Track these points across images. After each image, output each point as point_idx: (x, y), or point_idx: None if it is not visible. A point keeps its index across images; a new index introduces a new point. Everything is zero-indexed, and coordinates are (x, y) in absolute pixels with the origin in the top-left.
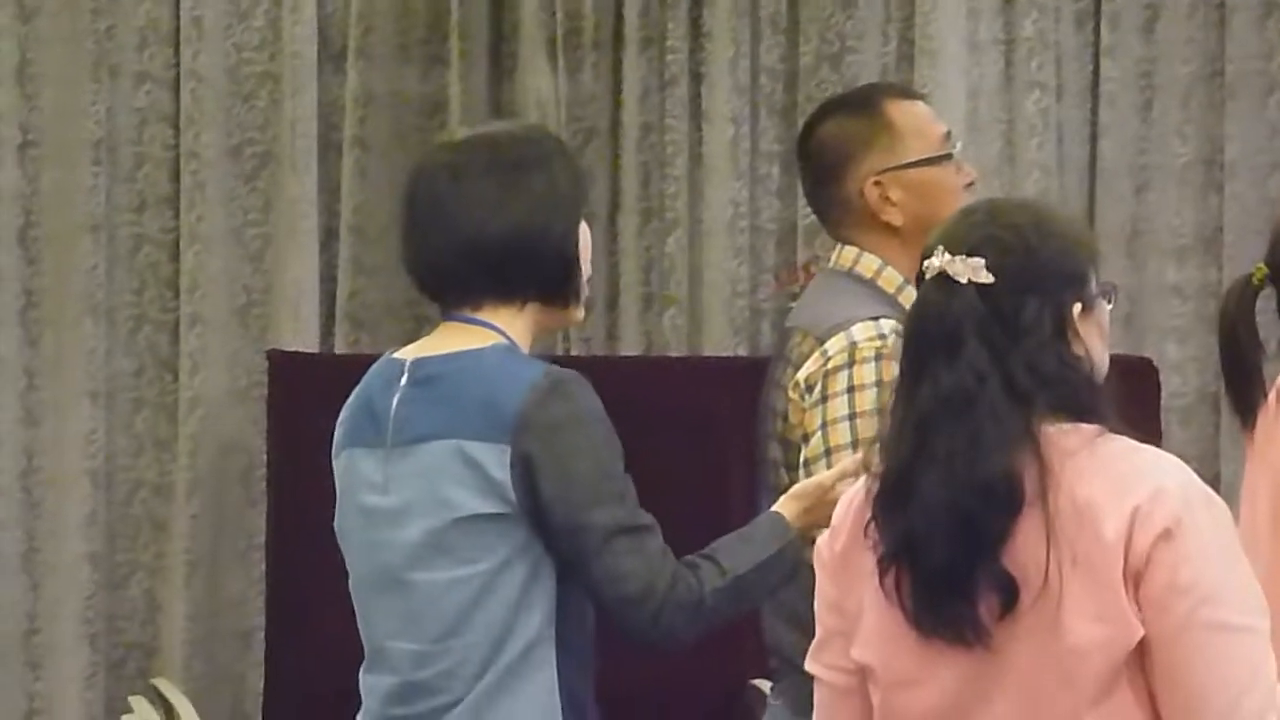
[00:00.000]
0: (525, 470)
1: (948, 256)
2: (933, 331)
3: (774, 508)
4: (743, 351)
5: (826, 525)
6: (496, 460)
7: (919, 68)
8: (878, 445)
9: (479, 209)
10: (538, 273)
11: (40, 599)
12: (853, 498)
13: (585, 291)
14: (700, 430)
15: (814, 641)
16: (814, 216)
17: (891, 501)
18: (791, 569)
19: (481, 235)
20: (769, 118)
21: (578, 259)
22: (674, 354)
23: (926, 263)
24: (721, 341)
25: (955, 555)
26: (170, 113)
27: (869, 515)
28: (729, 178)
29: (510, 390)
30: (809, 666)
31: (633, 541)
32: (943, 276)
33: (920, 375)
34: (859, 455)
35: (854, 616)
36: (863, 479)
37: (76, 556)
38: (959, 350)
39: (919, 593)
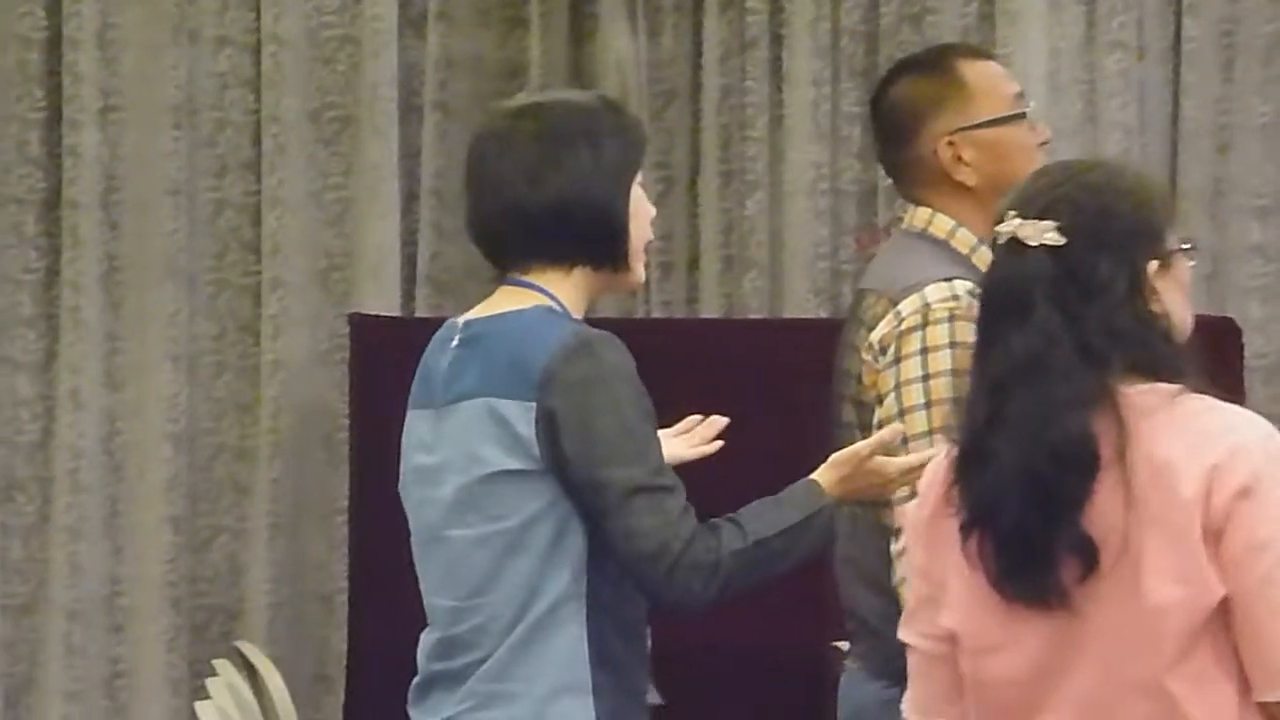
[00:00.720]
0: (549, 426)
1: (1018, 221)
2: (1004, 296)
3: (812, 475)
4: (823, 314)
5: (864, 495)
6: (522, 417)
7: (1000, 28)
8: (957, 410)
9: (522, 176)
10: (581, 238)
11: (123, 563)
12: (937, 465)
13: (641, 256)
14: (781, 393)
15: (906, 609)
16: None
17: (968, 467)
18: (822, 536)
19: (524, 202)
20: (850, 79)
21: (624, 225)
22: (754, 316)
23: (998, 228)
24: (802, 304)
25: (1032, 519)
26: (251, 76)
27: (951, 481)
28: (810, 140)
29: (539, 349)
30: (902, 635)
31: (651, 500)
32: (1014, 241)
33: (993, 340)
34: (898, 426)
35: (941, 583)
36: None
37: (159, 520)
38: (1030, 314)
39: (999, 557)
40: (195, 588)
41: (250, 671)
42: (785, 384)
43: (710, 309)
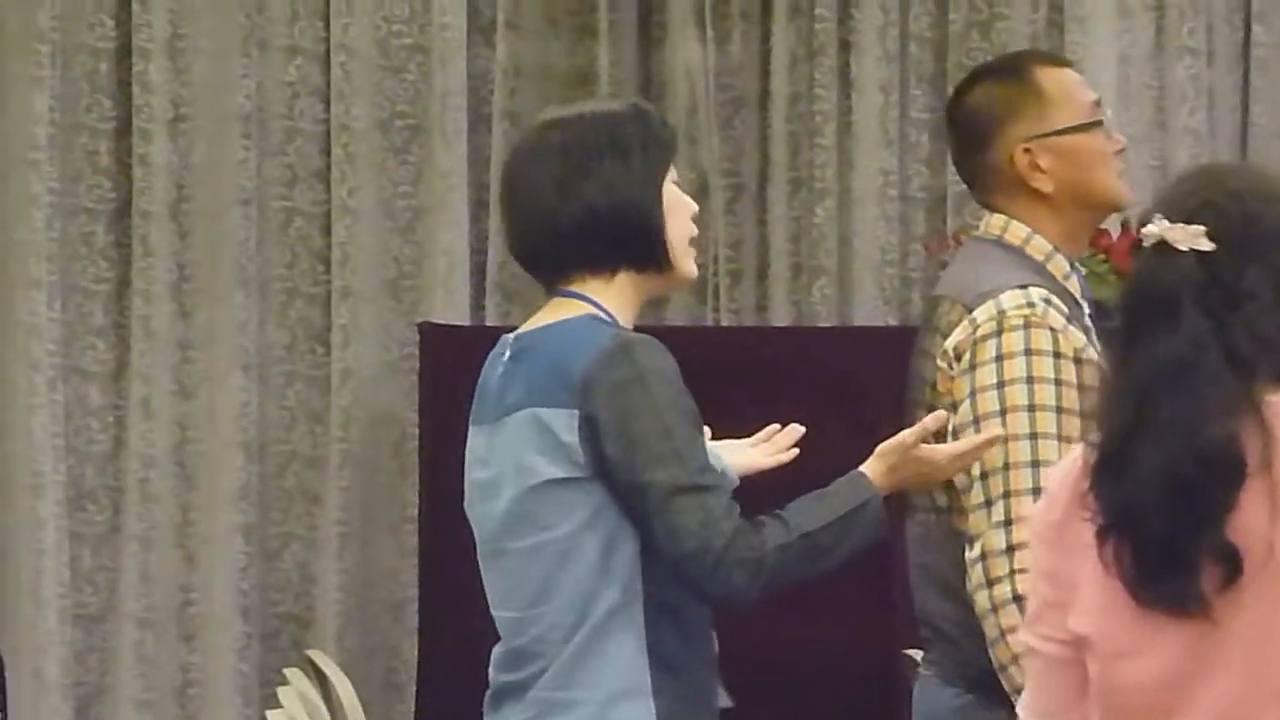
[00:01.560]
0: (591, 432)
1: (1166, 224)
2: (1150, 300)
3: (861, 466)
4: (893, 321)
5: (914, 485)
6: (566, 424)
7: (1069, 34)
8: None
9: (552, 189)
10: (617, 243)
11: (194, 571)
12: (1067, 468)
13: (689, 252)
14: (851, 400)
15: (1028, 613)
16: (963, 185)
17: (1108, 472)
18: (872, 528)
19: (554, 214)
20: (918, 85)
21: (659, 225)
22: (824, 324)
23: (1144, 230)
24: (871, 311)
25: (1175, 526)
26: (320, 86)
27: (1086, 485)
28: (878, 146)
29: (579, 356)
30: (1023, 637)
31: (693, 500)
32: (1161, 244)
33: (1136, 344)
34: (942, 413)
35: (1070, 587)
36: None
37: (230, 528)
38: (1177, 319)
39: (1138, 564)
40: (266, 596)
41: (321, 680)
42: (855, 391)
43: (780, 317)
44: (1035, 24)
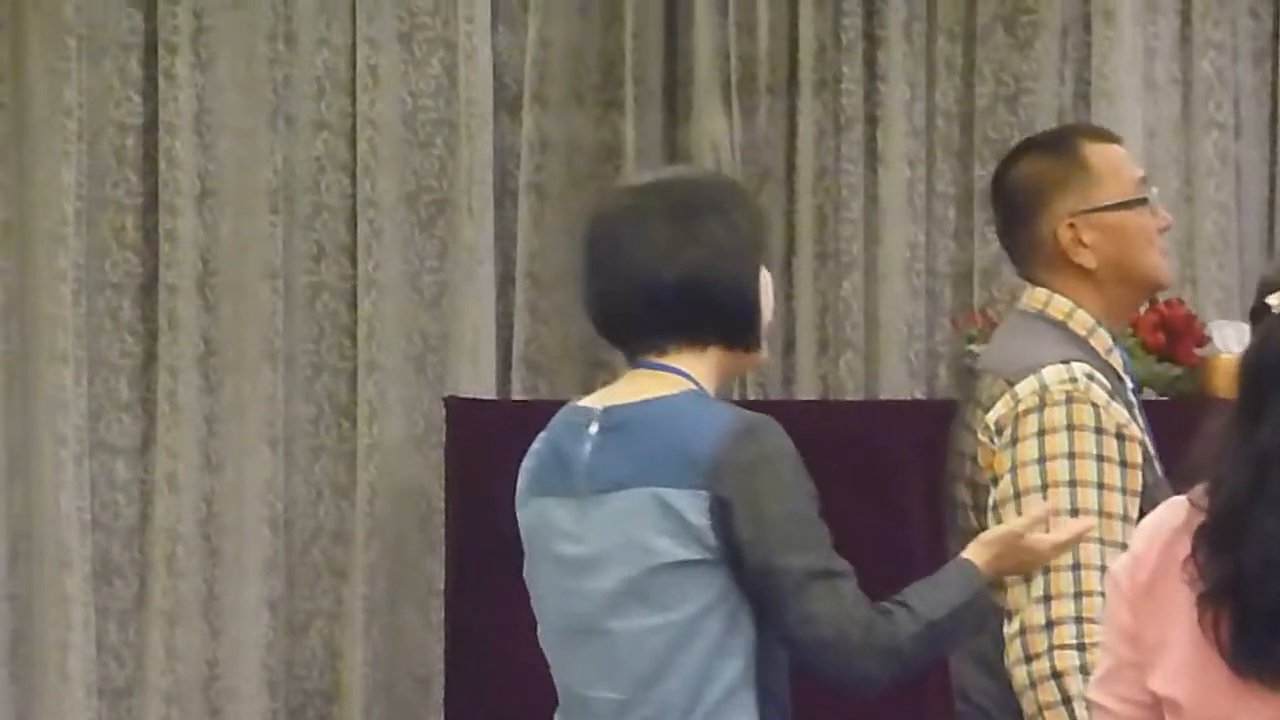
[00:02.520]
0: (722, 515)
1: None
2: (1276, 369)
3: (964, 554)
4: (919, 394)
5: (1016, 572)
6: (693, 506)
7: (1095, 108)
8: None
9: (657, 253)
10: (718, 317)
11: (220, 645)
12: (1157, 526)
13: (766, 336)
14: (878, 474)
15: (1101, 670)
16: (991, 258)
17: (1222, 538)
18: (982, 616)
19: (660, 280)
20: (945, 160)
21: (758, 303)
22: (850, 397)
23: (1271, 298)
24: (898, 385)
25: None
26: (347, 160)
27: (1187, 549)
28: (905, 220)
29: (704, 436)
30: (1092, 695)
31: (828, 586)
32: None
33: (1261, 413)
34: (1051, 503)
35: (1152, 649)
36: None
37: (256, 603)
38: None
39: (1241, 633)
40: (292, 671)
41: None
42: (881, 464)
43: (806, 390)
44: (1062, 98)
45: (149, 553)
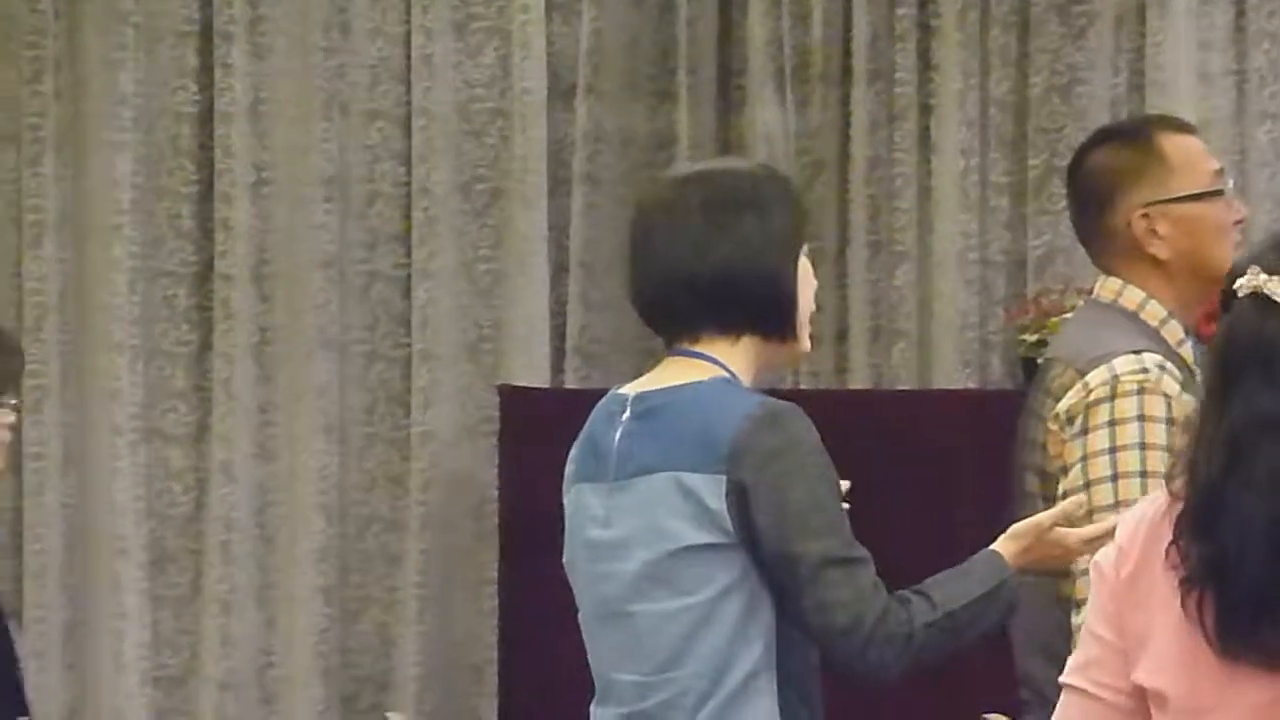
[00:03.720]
0: (740, 499)
1: (1264, 276)
2: (1247, 351)
3: (993, 546)
4: (972, 384)
5: (1043, 566)
6: (712, 490)
7: (1149, 99)
8: (1176, 469)
9: (691, 245)
10: (750, 307)
11: (275, 633)
12: (1139, 519)
13: (807, 326)
14: (930, 463)
15: (1079, 657)
16: (1045, 248)
17: (1199, 522)
18: (1007, 608)
19: (693, 271)
20: (998, 149)
21: (793, 294)
22: (903, 387)
23: (1239, 281)
24: (951, 374)
25: (1272, 577)
26: (401, 149)
27: (1169, 539)
28: (958, 210)
29: (725, 421)
30: (1070, 679)
31: (844, 573)
32: (1259, 296)
33: (1231, 395)
34: (1080, 498)
35: (1136, 639)
36: (1143, 504)
37: (310, 591)
38: (1276, 370)
39: (1227, 616)
40: (346, 659)
41: None
42: (934, 454)
43: (859, 380)
44: (1116, 88)
45: (204, 541)
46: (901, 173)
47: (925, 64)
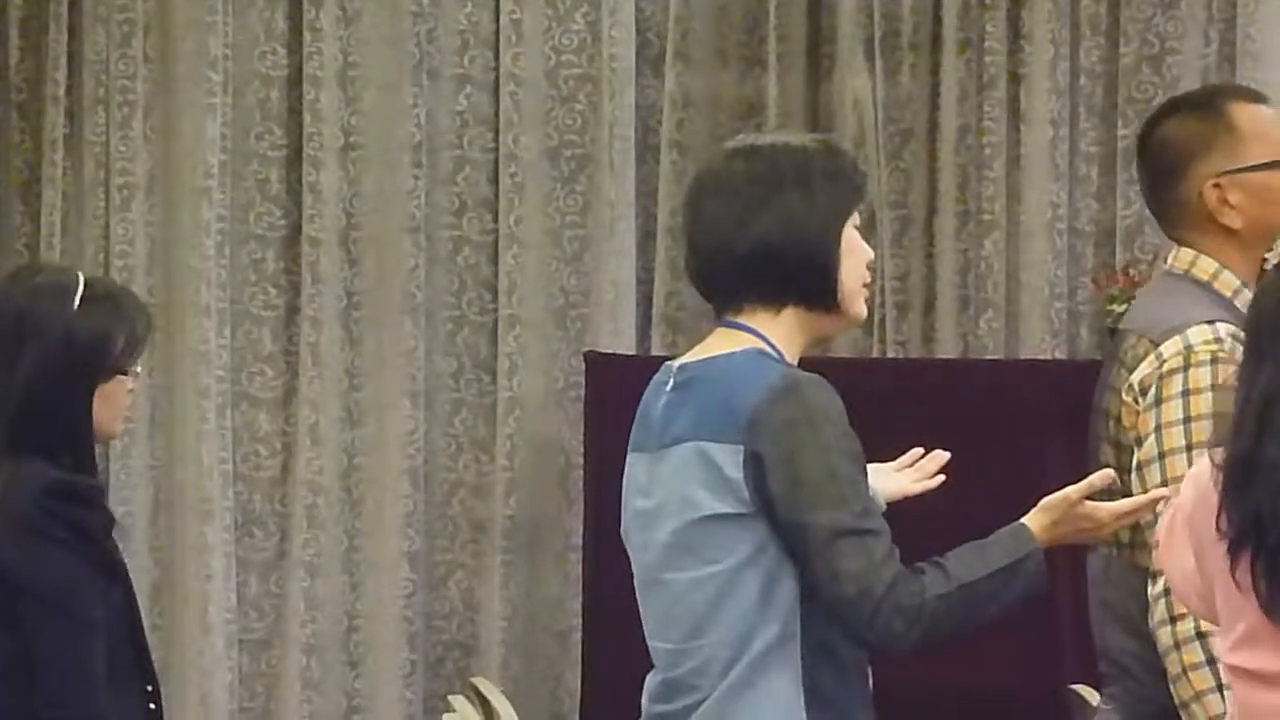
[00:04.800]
0: (756, 469)
1: None
2: (1274, 319)
3: (1022, 519)
4: (1060, 354)
5: (1073, 540)
6: (731, 460)
7: (1241, 68)
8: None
9: (732, 217)
10: (789, 279)
11: (360, 598)
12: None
13: (859, 295)
14: (1017, 433)
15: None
16: (1134, 218)
17: (1236, 485)
18: (1032, 581)
19: (731, 243)
20: (1088, 119)
21: (833, 266)
22: (991, 357)
23: (1270, 252)
24: (1038, 344)
25: None
26: (490, 115)
27: (1217, 504)
28: (1047, 179)
29: (747, 392)
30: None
31: (855, 543)
32: None
33: (1262, 359)
34: (1108, 472)
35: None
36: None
37: (396, 555)
38: None
39: (1270, 575)
40: (431, 623)
41: (485, 707)
42: (1021, 424)
43: (946, 349)
44: (1207, 58)
45: (290, 505)
46: (991, 142)
47: (1015, 32)
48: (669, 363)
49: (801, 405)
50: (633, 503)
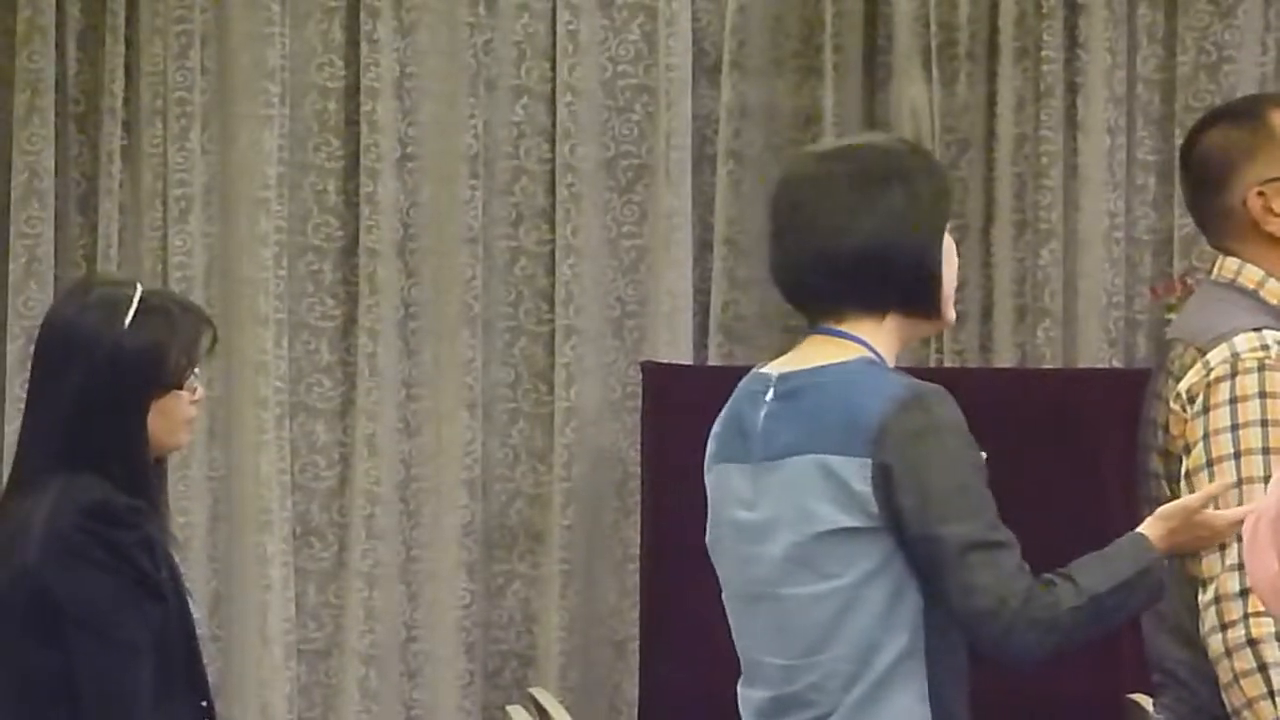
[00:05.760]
0: (884, 482)
1: None
2: None
3: (1139, 529)
4: (1118, 363)
5: (1191, 548)
6: (857, 473)
7: None
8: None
9: (837, 220)
10: (896, 285)
11: (418, 608)
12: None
13: (951, 300)
14: (1075, 443)
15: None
16: (1191, 227)
17: None
18: (1154, 591)
19: (839, 247)
20: (1145, 127)
21: (939, 270)
22: (1048, 366)
23: None
24: (1096, 353)
25: None
26: (546, 126)
27: None
28: (1104, 188)
29: (871, 404)
30: None
31: (987, 556)
32: None
33: None
34: (1227, 480)
35: None
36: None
37: (453, 566)
38: None
39: None
40: (489, 633)
41: (543, 717)
42: (1079, 433)
43: (1003, 358)
44: (1264, 66)
45: (348, 515)
46: (1048, 151)
47: (1073, 41)
48: (760, 371)
49: (929, 416)
50: (730, 515)
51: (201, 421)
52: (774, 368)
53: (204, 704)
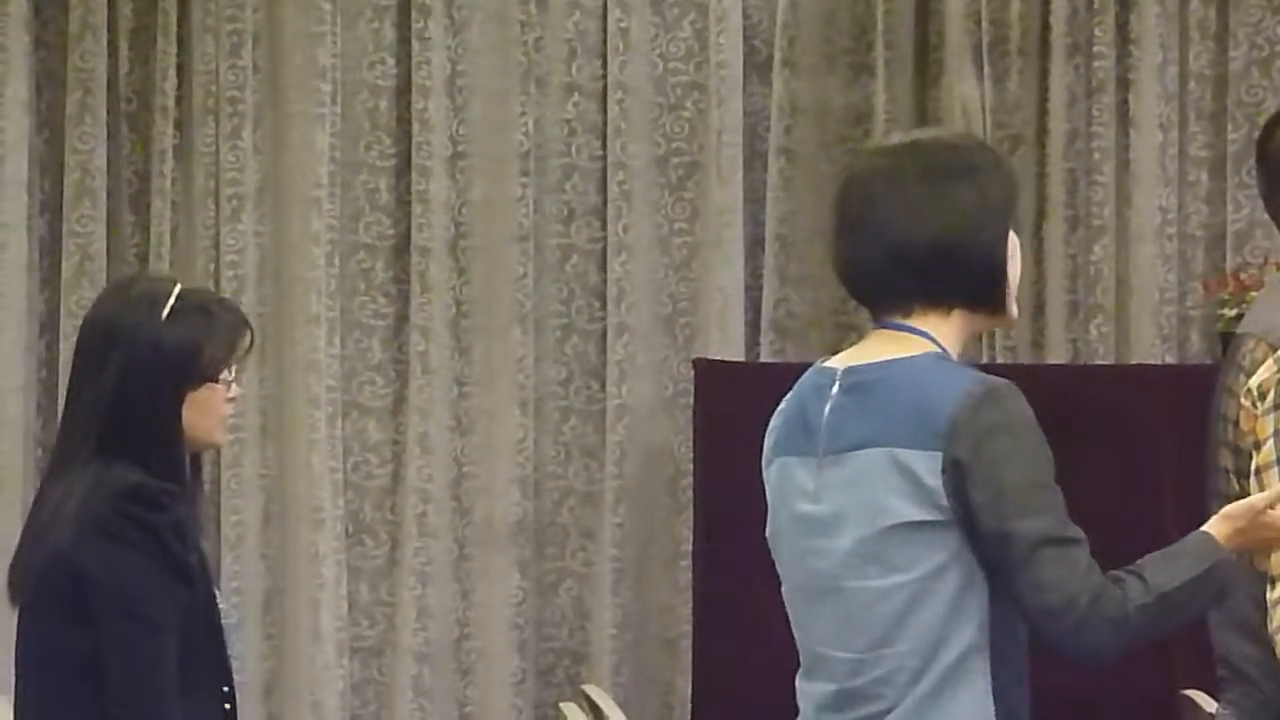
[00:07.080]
0: (956, 476)
1: None
2: None
3: (1205, 527)
4: (1170, 359)
5: (1258, 547)
6: (928, 467)
7: None
8: None
9: (908, 215)
10: (965, 279)
11: (471, 606)
12: None
13: (1014, 299)
14: (1128, 439)
15: None
16: (1244, 222)
17: None
18: (1220, 590)
19: (910, 241)
20: (1198, 123)
21: (1005, 265)
22: (1100, 362)
23: None
24: (1149, 349)
25: None
26: (597, 123)
27: None
28: (1157, 184)
29: (943, 397)
30: None
31: (1059, 552)
32: None
33: None
34: None
35: None
36: None
37: (506, 563)
38: None
39: None
40: (542, 631)
41: (596, 714)
42: (1131, 429)
43: (1056, 355)
44: None
45: (400, 513)
46: (1100, 147)
47: (1124, 37)
48: (824, 365)
49: (1002, 411)
50: (793, 508)
51: (254, 420)
52: (838, 362)
53: (224, 689)
